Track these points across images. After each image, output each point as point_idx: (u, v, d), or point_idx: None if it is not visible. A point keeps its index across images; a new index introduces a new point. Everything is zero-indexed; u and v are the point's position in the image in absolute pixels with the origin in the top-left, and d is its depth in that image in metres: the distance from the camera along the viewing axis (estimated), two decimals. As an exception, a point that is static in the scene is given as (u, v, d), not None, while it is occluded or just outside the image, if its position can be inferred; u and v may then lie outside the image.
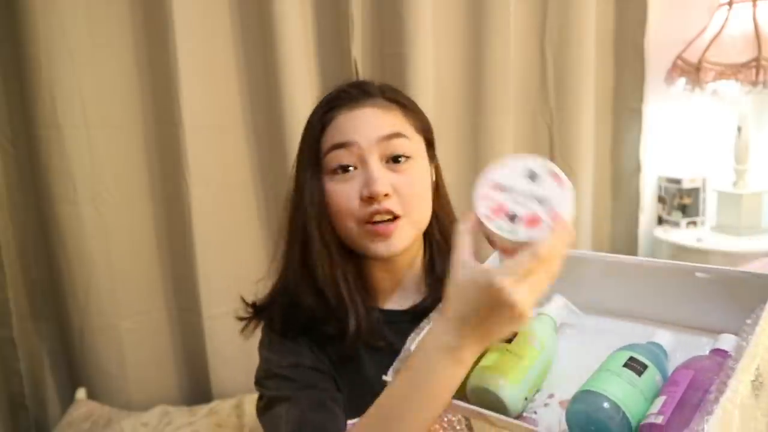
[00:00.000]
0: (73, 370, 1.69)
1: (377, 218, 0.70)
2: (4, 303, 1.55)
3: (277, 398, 0.71)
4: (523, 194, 0.56)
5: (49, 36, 1.48)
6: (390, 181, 0.69)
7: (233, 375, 1.69)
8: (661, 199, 2.14)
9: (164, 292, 1.72)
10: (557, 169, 0.57)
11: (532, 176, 0.57)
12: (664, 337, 0.60)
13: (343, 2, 1.64)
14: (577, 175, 1.91)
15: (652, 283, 0.66)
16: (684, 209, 2.09)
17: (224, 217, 1.67)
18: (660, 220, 2.15)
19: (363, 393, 0.65)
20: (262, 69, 1.64)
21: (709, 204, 2.10)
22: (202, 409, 1.58)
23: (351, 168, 0.70)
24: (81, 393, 1.62)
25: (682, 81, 1.91)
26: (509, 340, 0.61)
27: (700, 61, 1.82)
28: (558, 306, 0.67)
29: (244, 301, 0.82)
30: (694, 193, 2.08)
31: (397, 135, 0.71)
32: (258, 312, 0.80)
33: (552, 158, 1.92)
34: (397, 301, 0.78)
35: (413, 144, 0.73)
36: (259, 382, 0.76)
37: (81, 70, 1.53)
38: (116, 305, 1.64)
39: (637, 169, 2.00)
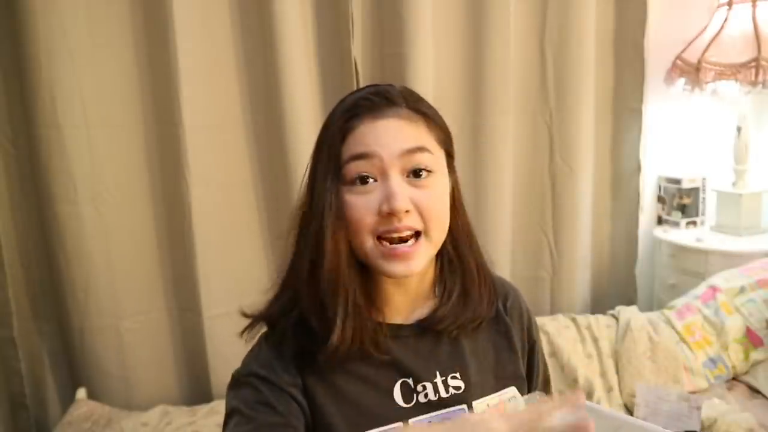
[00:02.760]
0: (74, 370, 1.69)
1: (395, 235, 0.67)
2: (4, 303, 1.55)
3: (236, 410, 0.69)
4: None
5: (49, 36, 1.48)
6: (410, 196, 0.67)
7: (233, 375, 1.69)
8: (660, 199, 2.14)
9: (164, 292, 1.72)
10: None
11: None
12: None
13: (343, 2, 1.64)
14: (577, 175, 1.91)
15: None
16: (684, 209, 2.09)
17: (224, 217, 1.67)
18: (660, 220, 2.15)
19: (360, 412, 0.68)
20: (262, 69, 1.64)
21: (709, 204, 2.10)
22: (202, 409, 1.58)
23: (370, 180, 0.68)
24: (81, 393, 1.62)
25: (681, 81, 1.91)
26: None
27: (699, 62, 1.83)
28: None
29: (245, 314, 0.78)
30: (693, 193, 2.08)
31: (420, 149, 0.68)
32: (263, 320, 0.77)
33: (552, 158, 1.92)
34: (405, 315, 0.76)
35: (435, 158, 0.71)
36: (231, 383, 0.74)
37: (81, 70, 1.53)
38: (116, 305, 1.65)
39: (637, 169, 2.00)
